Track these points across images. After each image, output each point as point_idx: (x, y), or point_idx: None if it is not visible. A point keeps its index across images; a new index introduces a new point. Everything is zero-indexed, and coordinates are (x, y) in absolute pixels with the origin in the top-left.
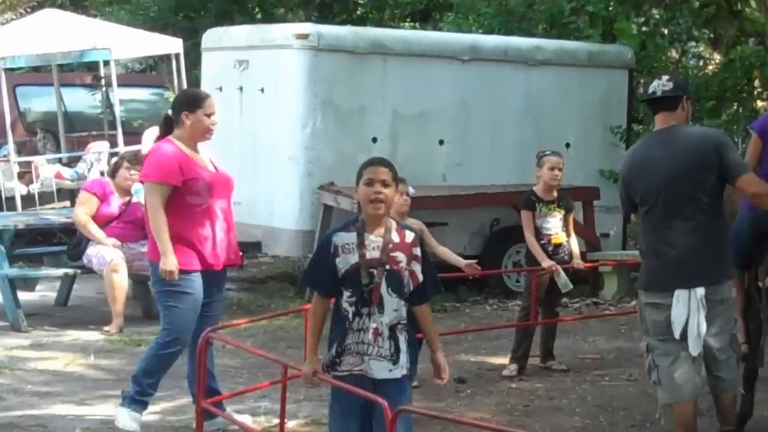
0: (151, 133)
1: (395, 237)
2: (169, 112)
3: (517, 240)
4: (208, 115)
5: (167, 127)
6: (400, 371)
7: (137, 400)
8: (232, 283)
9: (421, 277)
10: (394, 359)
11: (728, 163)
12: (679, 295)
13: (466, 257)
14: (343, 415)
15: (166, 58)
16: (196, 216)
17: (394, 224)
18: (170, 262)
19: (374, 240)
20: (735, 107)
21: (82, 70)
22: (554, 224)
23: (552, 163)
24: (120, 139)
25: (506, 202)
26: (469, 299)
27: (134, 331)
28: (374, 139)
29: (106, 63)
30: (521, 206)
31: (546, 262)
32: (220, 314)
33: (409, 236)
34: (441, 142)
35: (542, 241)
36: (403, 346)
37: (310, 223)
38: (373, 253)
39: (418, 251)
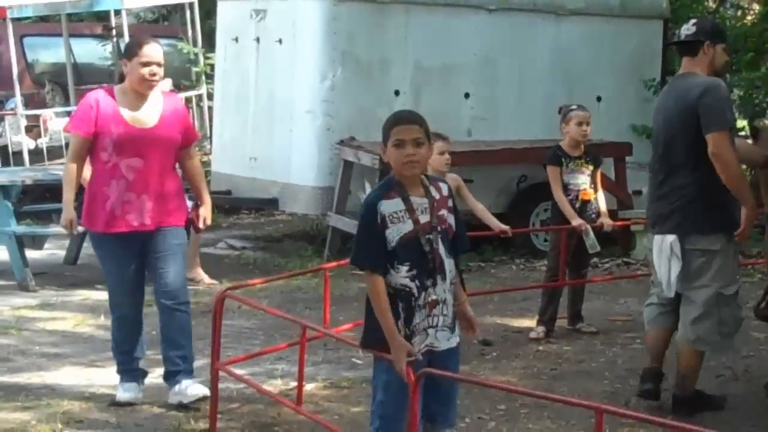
0: (164, 85)
1: (435, 193)
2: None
3: (545, 197)
4: (144, 64)
5: (120, 75)
6: (456, 337)
7: (121, 371)
8: (247, 241)
9: (455, 229)
10: (452, 325)
11: (702, 112)
12: (654, 239)
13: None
14: (403, 395)
15: (179, 8)
16: (103, 173)
17: (425, 179)
18: (64, 216)
19: (419, 202)
20: None
21: (91, 20)
22: (582, 180)
23: (580, 118)
24: None
25: (534, 158)
26: (495, 259)
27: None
28: (396, 92)
29: (117, 12)
30: (547, 161)
31: (575, 221)
32: (175, 277)
33: (444, 188)
34: (466, 96)
35: (569, 197)
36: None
37: (329, 179)
38: (423, 217)
39: (452, 202)
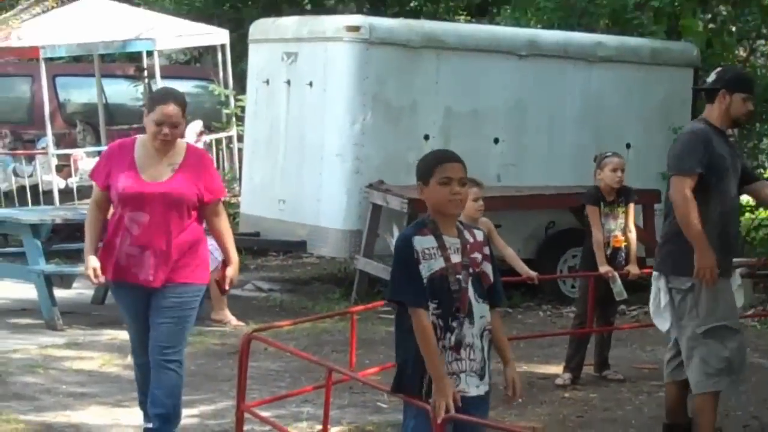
0: (194, 126)
1: (469, 237)
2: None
3: (573, 244)
4: (157, 123)
5: None
6: (485, 386)
7: (143, 409)
8: (274, 284)
9: (492, 278)
10: (482, 373)
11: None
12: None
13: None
14: None
15: (211, 50)
16: (111, 223)
17: (460, 224)
18: (86, 264)
19: (452, 241)
20: None
21: (124, 61)
22: (614, 226)
23: (614, 164)
24: None
25: (562, 204)
26: (522, 305)
27: None
28: (426, 137)
29: (150, 54)
30: (587, 200)
31: (604, 268)
32: (169, 335)
33: (479, 235)
34: (496, 141)
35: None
36: (488, 356)
37: (358, 222)
38: (455, 257)
39: (488, 250)
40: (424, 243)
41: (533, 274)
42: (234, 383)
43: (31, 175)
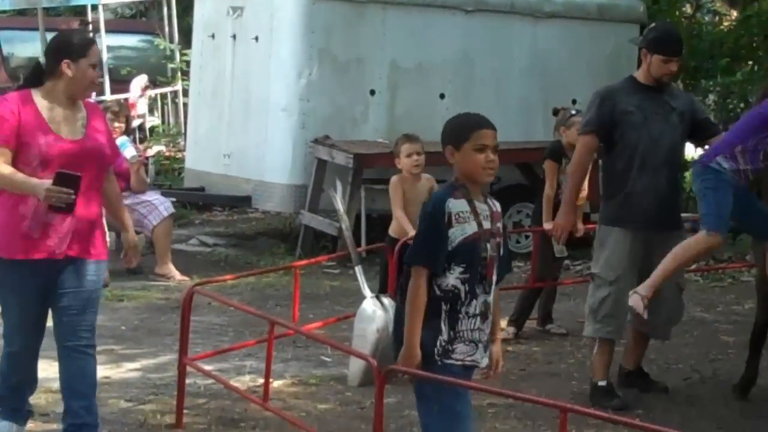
0: (139, 81)
1: (492, 205)
2: (41, 59)
3: (519, 199)
4: (93, 66)
5: (34, 76)
6: (486, 360)
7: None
8: (219, 239)
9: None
10: (487, 345)
11: None
12: None
13: None
14: (456, 416)
15: (156, 4)
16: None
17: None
18: None
19: (482, 207)
20: (750, 65)
21: (68, 15)
22: None
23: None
24: (107, 87)
25: (508, 160)
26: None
27: (117, 286)
28: (372, 92)
29: (95, 7)
30: (547, 155)
31: (548, 224)
32: (87, 315)
33: (497, 206)
34: (442, 96)
35: (557, 199)
36: None
37: (303, 177)
38: (486, 223)
39: (502, 223)
40: (457, 206)
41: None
42: (176, 337)
43: None
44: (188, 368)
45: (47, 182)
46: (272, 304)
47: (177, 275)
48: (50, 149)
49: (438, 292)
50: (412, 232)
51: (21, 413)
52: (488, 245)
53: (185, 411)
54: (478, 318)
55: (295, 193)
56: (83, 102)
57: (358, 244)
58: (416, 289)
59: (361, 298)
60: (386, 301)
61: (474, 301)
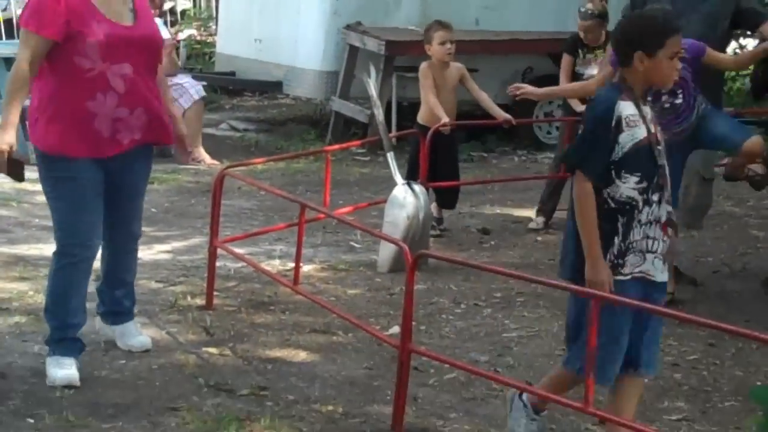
0: None
1: (650, 110)
2: None
3: None
4: None
5: None
6: (668, 274)
7: (58, 340)
8: (250, 124)
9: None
10: (665, 258)
11: None
12: None
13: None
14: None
15: None
16: (83, 84)
17: None
18: (4, 139)
19: (647, 110)
20: None
21: None
22: (595, 71)
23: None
24: None
25: (541, 49)
26: (498, 149)
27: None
28: None
29: None
30: (563, 48)
31: (580, 107)
32: (138, 217)
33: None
34: None
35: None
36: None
37: (335, 64)
38: (651, 127)
39: None
40: (627, 109)
41: (509, 117)
42: (207, 221)
43: None
44: (219, 251)
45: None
46: (302, 189)
47: (207, 159)
48: (108, 38)
49: (612, 205)
50: (445, 118)
51: (78, 344)
52: (660, 150)
53: (215, 293)
54: (655, 226)
55: (327, 79)
56: None
57: (388, 130)
58: (582, 194)
59: (391, 185)
60: (417, 187)
61: (647, 209)
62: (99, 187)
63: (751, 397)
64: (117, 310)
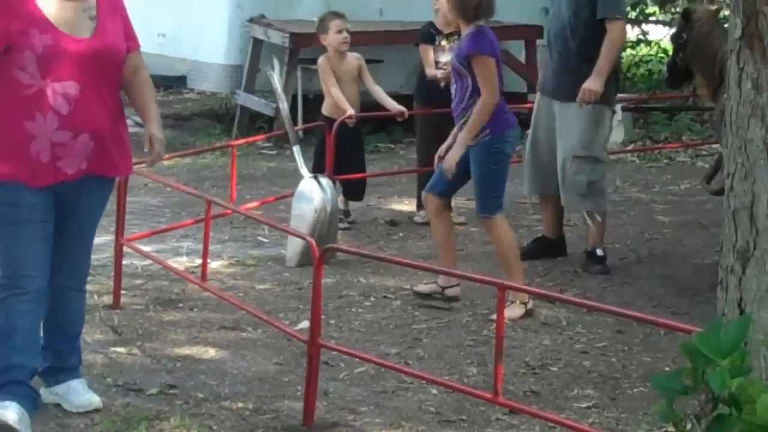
0: None
1: None
2: None
3: None
4: None
5: None
6: None
7: (1, 384)
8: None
9: None
10: None
11: None
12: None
13: (401, 96)
14: None
15: None
16: (21, 102)
17: None
18: None
19: None
20: None
21: None
22: (448, 59)
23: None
24: None
25: None
26: (404, 140)
27: None
28: None
29: None
30: (420, 39)
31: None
32: (89, 246)
33: None
34: None
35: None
36: None
37: (239, 57)
38: None
39: None
40: None
41: (402, 109)
42: (113, 219)
43: None
44: (125, 249)
45: None
46: (209, 185)
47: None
48: (48, 51)
49: None
50: (350, 110)
51: (29, 388)
52: None
53: (123, 292)
54: None
55: (231, 73)
56: None
57: (294, 123)
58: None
59: (298, 178)
60: (324, 180)
61: None
62: (46, 213)
63: (652, 385)
64: (59, 367)
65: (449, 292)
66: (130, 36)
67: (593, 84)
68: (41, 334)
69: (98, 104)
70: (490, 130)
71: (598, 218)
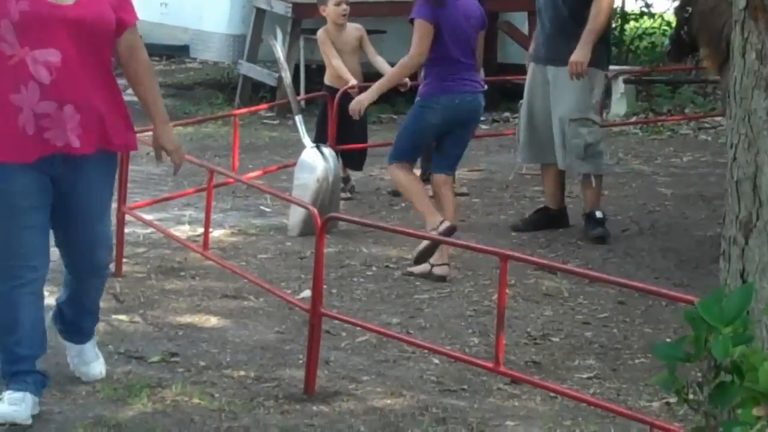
0: None
1: None
2: None
3: None
4: None
5: None
6: None
7: (11, 374)
8: None
9: None
10: None
11: None
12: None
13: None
14: None
15: None
16: (6, 74)
17: None
18: None
19: None
20: None
21: None
22: None
23: None
24: None
25: None
26: (407, 111)
27: None
28: None
29: None
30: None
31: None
32: (103, 225)
33: None
34: None
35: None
36: None
37: (242, 27)
38: None
39: None
40: None
41: (405, 80)
42: (116, 187)
43: None
44: (127, 217)
45: None
46: (211, 154)
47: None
48: (24, 17)
49: None
50: (353, 81)
51: (32, 377)
52: None
53: (125, 260)
54: None
55: (234, 42)
56: None
57: (297, 93)
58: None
59: (301, 148)
60: (326, 150)
61: None
62: (38, 198)
63: (654, 354)
64: (74, 330)
65: (436, 270)
66: (124, 8)
67: (579, 55)
68: (65, 310)
69: (83, 74)
70: (421, 93)
71: (594, 181)
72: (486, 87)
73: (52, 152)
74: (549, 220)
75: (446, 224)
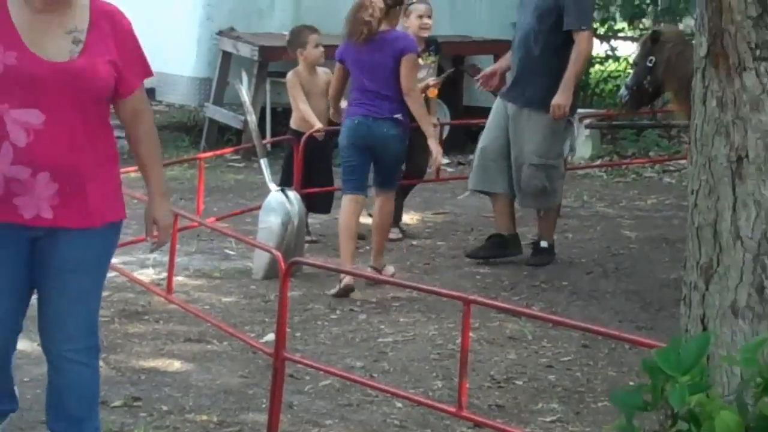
0: None
1: None
2: None
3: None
4: None
5: None
6: None
7: None
8: (121, 131)
9: None
10: None
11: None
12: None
13: None
14: None
15: None
16: None
17: None
18: None
19: None
20: None
21: None
22: (423, 75)
23: (420, 11)
24: None
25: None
26: None
27: None
28: None
29: None
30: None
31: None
32: (78, 313)
33: None
34: None
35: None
36: None
37: (208, 70)
38: None
39: None
40: None
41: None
42: None
43: None
44: None
45: None
46: (176, 197)
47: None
48: (11, 70)
49: None
50: (318, 125)
51: None
52: None
53: None
54: None
55: (200, 85)
56: (93, 5)
57: (263, 137)
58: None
59: (266, 191)
60: (291, 194)
61: None
62: (13, 262)
63: (611, 401)
64: None
65: (344, 281)
66: (131, 65)
67: (561, 98)
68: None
69: (68, 140)
70: None
71: (549, 213)
72: (400, 116)
73: (19, 223)
74: (502, 245)
75: (345, 282)
